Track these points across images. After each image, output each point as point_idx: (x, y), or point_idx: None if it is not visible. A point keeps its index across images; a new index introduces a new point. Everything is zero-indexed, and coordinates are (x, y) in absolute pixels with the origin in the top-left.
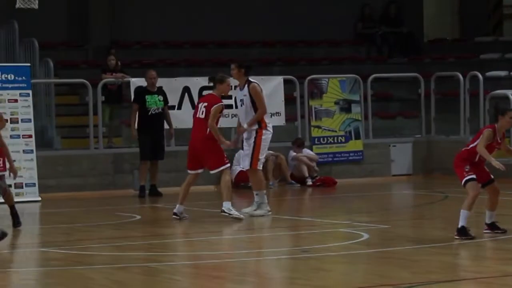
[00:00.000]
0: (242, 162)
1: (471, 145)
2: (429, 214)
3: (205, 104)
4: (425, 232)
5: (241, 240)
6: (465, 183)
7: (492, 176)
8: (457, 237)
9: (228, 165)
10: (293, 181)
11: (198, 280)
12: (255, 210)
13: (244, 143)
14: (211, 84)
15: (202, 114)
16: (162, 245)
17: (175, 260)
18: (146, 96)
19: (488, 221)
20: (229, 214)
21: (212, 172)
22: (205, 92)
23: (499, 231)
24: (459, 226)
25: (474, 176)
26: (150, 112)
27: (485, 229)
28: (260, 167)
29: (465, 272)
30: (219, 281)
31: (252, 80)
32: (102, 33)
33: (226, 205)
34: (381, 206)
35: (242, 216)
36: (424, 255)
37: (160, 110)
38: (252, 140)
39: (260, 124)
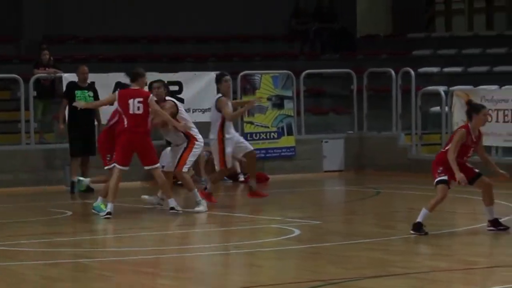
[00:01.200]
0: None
1: (446, 147)
2: (360, 210)
3: (140, 99)
4: (357, 228)
5: (173, 236)
6: (436, 184)
7: (477, 171)
8: (412, 231)
9: (159, 164)
10: (225, 177)
11: (130, 276)
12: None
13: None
14: (129, 78)
15: (139, 110)
16: (93, 241)
17: (107, 256)
18: (76, 92)
19: (490, 217)
20: (177, 210)
21: (146, 168)
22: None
23: (502, 228)
24: (416, 221)
25: (445, 178)
26: (79, 108)
27: (488, 226)
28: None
29: (395, 268)
30: (151, 277)
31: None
32: (35, 28)
33: (172, 203)
34: (313, 202)
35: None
36: (355, 251)
37: None
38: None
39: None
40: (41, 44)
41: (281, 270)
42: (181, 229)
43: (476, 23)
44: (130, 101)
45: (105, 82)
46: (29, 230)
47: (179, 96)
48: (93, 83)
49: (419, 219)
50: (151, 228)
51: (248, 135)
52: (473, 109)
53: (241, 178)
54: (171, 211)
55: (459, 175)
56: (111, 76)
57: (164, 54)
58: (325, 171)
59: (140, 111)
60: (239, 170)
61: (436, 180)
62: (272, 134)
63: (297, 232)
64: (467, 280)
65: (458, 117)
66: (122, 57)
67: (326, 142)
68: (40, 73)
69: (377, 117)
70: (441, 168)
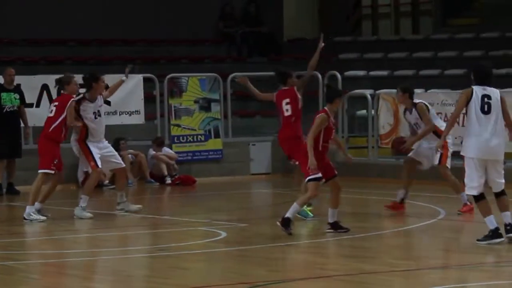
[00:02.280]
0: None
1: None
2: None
3: (56, 103)
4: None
5: (100, 239)
6: (308, 181)
7: (336, 172)
8: (280, 226)
9: (50, 171)
10: (152, 180)
11: (56, 279)
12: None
13: None
14: (57, 86)
15: (51, 112)
16: (19, 244)
17: (33, 258)
18: (2, 94)
19: (330, 220)
20: (30, 220)
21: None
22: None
23: (343, 230)
24: (285, 216)
25: (320, 175)
26: (5, 110)
27: (328, 229)
28: None
29: (322, 270)
30: (77, 280)
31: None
32: None
33: (29, 210)
34: (240, 205)
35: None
36: (282, 253)
37: (15, 108)
38: None
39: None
40: None
41: (207, 273)
42: (108, 232)
43: (402, 27)
44: (51, 104)
45: (31, 84)
46: None
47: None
48: (19, 85)
49: (288, 215)
50: (78, 230)
51: (175, 137)
52: (335, 93)
53: (168, 180)
54: (24, 220)
55: (312, 162)
56: (38, 78)
57: (91, 57)
58: (252, 174)
59: (51, 115)
60: (165, 172)
61: (308, 178)
62: (199, 136)
63: (224, 234)
64: (392, 282)
65: (384, 120)
66: (48, 60)
67: (253, 145)
68: None
69: (304, 120)
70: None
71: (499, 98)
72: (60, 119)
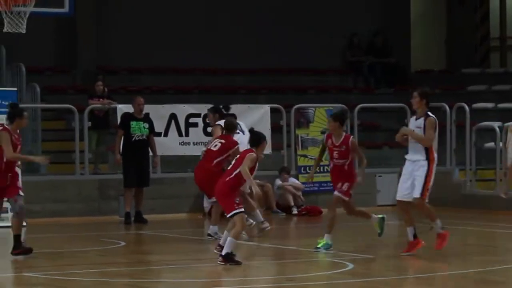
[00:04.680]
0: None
1: (235, 172)
2: None
3: (223, 141)
4: (410, 263)
5: (226, 268)
6: (234, 215)
7: None
8: (222, 262)
9: None
10: (278, 210)
11: None
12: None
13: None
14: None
15: (215, 147)
16: (146, 272)
17: (160, 287)
18: (131, 122)
19: (225, 250)
20: (214, 237)
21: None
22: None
23: (234, 264)
24: (224, 253)
25: (243, 209)
26: (134, 138)
27: (220, 261)
28: None
29: None
30: None
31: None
32: (89, 59)
33: (213, 229)
34: (366, 236)
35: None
36: (409, 286)
37: (144, 137)
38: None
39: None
40: (97, 75)
41: None
42: None
43: None
44: (216, 140)
45: (160, 114)
46: (82, 260)
47: None
48: (148, 114)
49: (227, 250)
50: (204, 259)
51: (302, 168)
52: (260, 138)
53: (295, 211)
54: (208, 236)
55: (253, 183)
56: (166, 107)
57: (216, 86)
58: (379, 205)
59: (215, 149)
60: (292, 203)
61: (234, 212)
62: (326, 167)
63: (350, 266)
64: None
65: None
66: (176, 89)
67: (380, 176)
68: (95, 104)
69: None
70: (238, 199)
71: None
72: (224, 157)
